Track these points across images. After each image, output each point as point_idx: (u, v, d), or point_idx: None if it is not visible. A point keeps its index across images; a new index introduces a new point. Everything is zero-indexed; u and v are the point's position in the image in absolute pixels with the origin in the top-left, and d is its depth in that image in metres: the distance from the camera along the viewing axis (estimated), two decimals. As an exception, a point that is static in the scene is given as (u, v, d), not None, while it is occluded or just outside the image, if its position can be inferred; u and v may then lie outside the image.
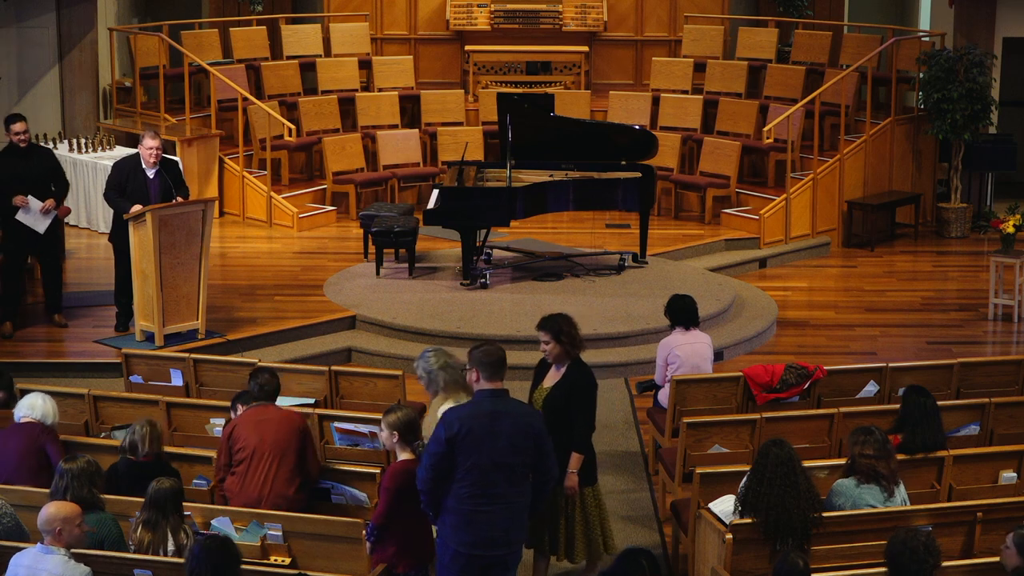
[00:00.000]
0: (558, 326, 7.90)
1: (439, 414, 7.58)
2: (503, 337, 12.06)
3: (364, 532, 7.26)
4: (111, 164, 12.36)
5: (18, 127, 12.07)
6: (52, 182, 12.32)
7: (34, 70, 16.84)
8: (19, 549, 6.65)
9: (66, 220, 12.96)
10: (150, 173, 11.82)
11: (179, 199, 11.72)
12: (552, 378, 7.96)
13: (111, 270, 12.50)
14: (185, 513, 7.20)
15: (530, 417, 7.05)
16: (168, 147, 15.53)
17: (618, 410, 11.23)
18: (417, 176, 16.67)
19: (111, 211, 12.29)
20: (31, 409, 8.11)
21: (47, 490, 7.24)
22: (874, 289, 14.39)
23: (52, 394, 8.56)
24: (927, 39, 16.74)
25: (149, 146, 11.77)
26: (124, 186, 11.84)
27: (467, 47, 18.02)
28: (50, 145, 14.91)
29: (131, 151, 12.79)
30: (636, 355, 12.09)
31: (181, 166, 15.27)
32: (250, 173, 16.19)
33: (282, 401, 8.58)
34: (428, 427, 7.56)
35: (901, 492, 7.53)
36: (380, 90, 17.58)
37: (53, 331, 12.47)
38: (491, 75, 17.77)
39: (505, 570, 7.00)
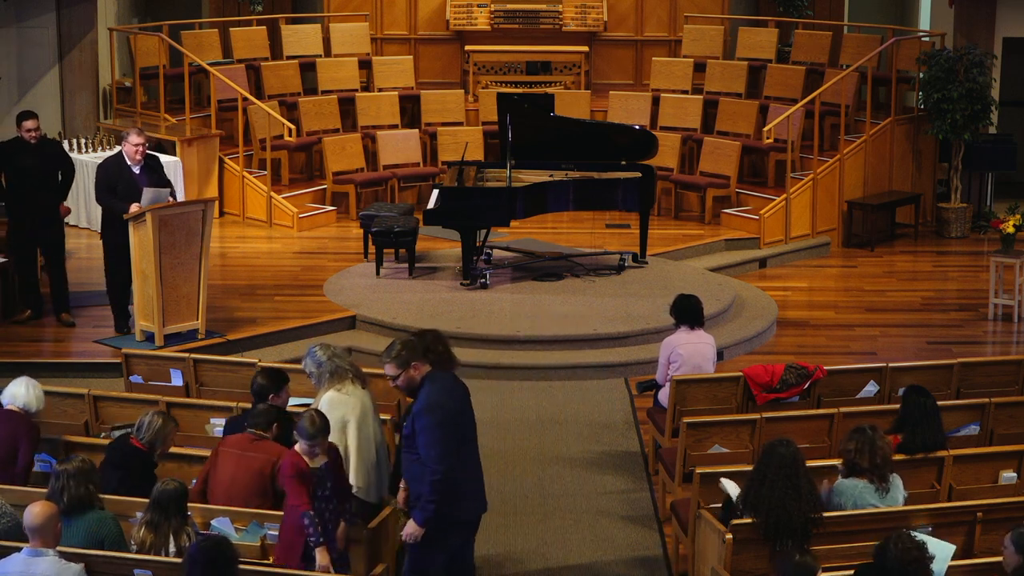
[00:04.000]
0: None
1: (322, 404, 7.67)
2: (503, 337, 12.08)
3: (305, 531, 7.04)
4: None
5: (30, 124, 12.28)
6: (59, 170, 12.52)
7: (34, 70, 16.83)
8: (19, 549, 6.62)
9: (66, 220, 12.97)
10: (136, 170, 11.85)
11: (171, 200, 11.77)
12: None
13: (110, 270, 12.52)
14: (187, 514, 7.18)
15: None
16: (168, 147, 15.60)
17: (618, 410, 11.24)
18: (417, 176, 16.67)
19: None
20: (13, 398, 8.11)
21: (47, 490, 7.22)
22: (874, 289, 14.39)
23: (52, 394, 8.55)
24: (927, 39, 16.73)
25: (135, 143, 11.82)
26: (114, 186, 11.86)
27: (467, 47, 18.02)
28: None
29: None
30: (636, 355, 12.09)
31: (181, 167, 15.33)
32: (250, 173, 16.19)
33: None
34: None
35: (900, 491, 7.53)
36: (380, 90, 17.57)
37: (53, 331, 12.47)
38: (491, 75, 17.77)
39: (471, 534, 7.42)
